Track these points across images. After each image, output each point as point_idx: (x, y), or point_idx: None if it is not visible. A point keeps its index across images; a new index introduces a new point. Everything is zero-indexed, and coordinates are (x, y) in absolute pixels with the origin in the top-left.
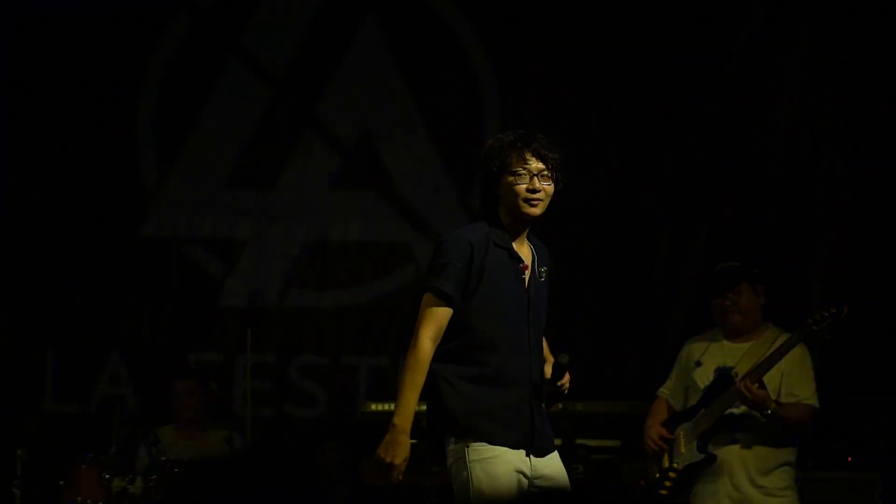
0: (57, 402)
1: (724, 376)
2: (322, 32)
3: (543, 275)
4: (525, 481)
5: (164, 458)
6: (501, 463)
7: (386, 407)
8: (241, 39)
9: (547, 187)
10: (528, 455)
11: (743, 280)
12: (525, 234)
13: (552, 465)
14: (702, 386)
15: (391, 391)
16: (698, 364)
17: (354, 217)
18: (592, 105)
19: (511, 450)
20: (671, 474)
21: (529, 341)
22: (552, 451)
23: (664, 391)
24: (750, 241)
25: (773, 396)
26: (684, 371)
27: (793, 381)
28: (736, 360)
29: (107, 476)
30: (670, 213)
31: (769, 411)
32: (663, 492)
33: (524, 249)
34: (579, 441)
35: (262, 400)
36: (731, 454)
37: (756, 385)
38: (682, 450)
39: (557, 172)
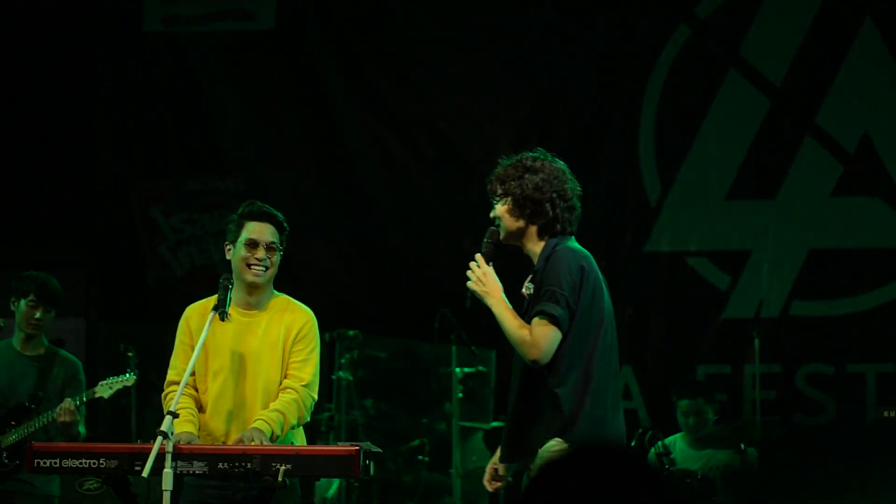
0: None
1: None
2: (820, 38)
3: None
4: None
5: (671, 469)
6: None
7: None
8: (739, 49)
9: None
10: None
11: None
12: None
13: None
14: None
15: None
16: None
17: (858, 224)
18: None
19: None
20: None
21: None
22: None
23: None
24: None
25: None
26: None
27: None
28: None
29: None
30: None
31: None
32: None
33: None
34: None
35: (769, 409)
36: None
37: None
38: None
39: None
